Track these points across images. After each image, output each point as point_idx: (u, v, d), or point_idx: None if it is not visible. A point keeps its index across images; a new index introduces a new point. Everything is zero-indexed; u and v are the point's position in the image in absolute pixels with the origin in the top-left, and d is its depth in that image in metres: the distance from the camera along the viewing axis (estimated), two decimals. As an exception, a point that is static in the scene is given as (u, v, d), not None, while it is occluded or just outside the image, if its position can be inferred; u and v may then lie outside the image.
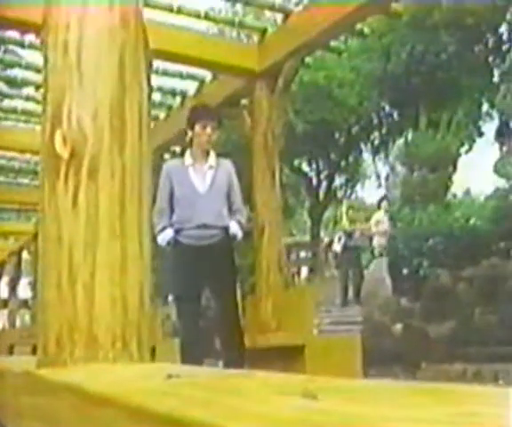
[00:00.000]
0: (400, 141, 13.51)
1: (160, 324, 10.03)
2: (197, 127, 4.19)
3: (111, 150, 1.57)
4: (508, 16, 12.11)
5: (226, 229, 4.16)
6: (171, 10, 6.48)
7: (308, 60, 8.23)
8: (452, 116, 10.96)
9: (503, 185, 9.55)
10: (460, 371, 6.20)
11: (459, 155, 11.71)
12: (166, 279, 4.38)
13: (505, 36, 11.54)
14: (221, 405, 0.79)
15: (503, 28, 12.03)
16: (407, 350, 6.82)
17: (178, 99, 8.47)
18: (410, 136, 12.29)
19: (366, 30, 7.51)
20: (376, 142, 18.95)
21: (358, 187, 24.02)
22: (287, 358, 5.94)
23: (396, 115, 15.99)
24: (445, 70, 11.33)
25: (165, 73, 7.81)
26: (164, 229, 4.11)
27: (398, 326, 7.31)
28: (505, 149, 11.41)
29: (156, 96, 8.72)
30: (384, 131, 17.85)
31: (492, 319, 6.55)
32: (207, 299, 4.54)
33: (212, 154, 4.27)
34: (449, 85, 11.12)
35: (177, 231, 4.10)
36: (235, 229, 4.19)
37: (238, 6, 7.88)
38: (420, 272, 8.02)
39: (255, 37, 6.95)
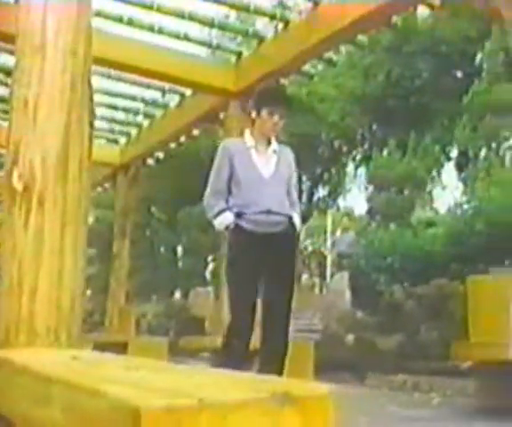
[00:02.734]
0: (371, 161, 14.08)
1: (134, 322, 10.46)
2: (264, 113, 3.89)
3: (55, 186, 2.06)
4: (488, 46, 12.65)
5: (289, 217, 3.88)
6: (152, 30, 7.00)
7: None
8: (420, 140, 11.52)
9: (457, 210, 10.10)
10: (402, 381, 6.72)
11: (426, 178, 12.25)
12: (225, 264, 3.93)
13: (474, 69, 12.09)
14: (86, 372, 1.29)
15: (477, 59, 12.57)
16: (357, 359, 7.34)
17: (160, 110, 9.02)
18: (379, 156, 12.83)
19: (335, 58, 8.09)
20: (358, 157, 19.50)
21: (340, 198, 24.62)
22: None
23: (378, 132, 16.57)
24: (418, 95, 11.90)
25: (149, 86, 8.42)
26: (222, 211, 3.82)
27: (350, 337, 7.82)
28: (462, 176, 11.99)
29: (140, 106, 9.20)
30: (366, 146, 18.42)
31: (435, 336, 7.07)
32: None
33: (273, 138, 3.99)
34: (420, 110, 11.68)
35: (237, 215, 3.79)
36: (297, 220, 3.91)
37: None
38: (376, 287, 8.55)
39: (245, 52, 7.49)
